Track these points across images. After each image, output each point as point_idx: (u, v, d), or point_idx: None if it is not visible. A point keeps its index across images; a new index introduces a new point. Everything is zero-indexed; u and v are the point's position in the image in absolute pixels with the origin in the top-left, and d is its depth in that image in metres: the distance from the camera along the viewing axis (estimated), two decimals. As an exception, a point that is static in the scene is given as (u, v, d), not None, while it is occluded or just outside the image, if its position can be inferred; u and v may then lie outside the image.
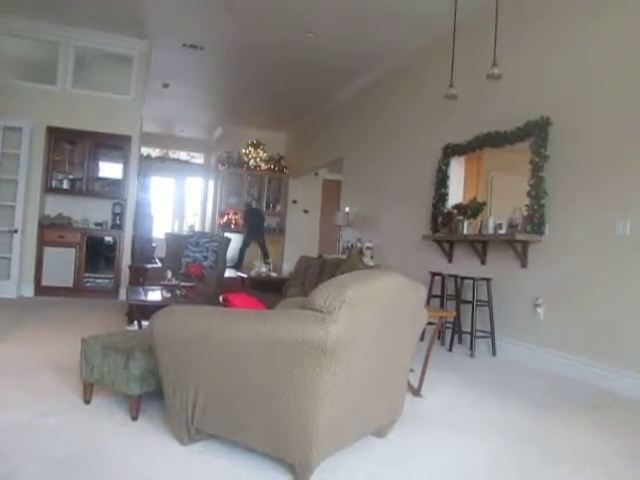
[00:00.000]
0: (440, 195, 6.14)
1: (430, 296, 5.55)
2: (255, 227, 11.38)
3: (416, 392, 3.44)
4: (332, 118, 9.96)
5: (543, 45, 4.93)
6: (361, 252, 6.95)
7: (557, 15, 4.81)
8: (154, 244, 9.33)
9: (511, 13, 5.00)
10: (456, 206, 5.82)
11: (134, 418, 2.65)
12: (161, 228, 12.05)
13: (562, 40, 4.72)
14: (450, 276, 5.53)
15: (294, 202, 12.51)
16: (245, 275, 6.99)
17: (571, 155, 4.53)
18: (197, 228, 13.68)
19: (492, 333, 5.02)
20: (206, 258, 6.64)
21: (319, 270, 5.76)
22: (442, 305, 5.53)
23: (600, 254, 4.20)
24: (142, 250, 8.24)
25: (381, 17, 6.23)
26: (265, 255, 11.18)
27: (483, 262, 5.45)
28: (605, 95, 4.27)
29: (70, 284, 7.30)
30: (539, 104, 4.82)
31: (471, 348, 4.94)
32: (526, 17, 5.12)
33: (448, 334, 5.34)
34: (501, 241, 5.07)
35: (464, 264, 5.70)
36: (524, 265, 4.92)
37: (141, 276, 6.28)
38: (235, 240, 10.13)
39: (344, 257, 6.56)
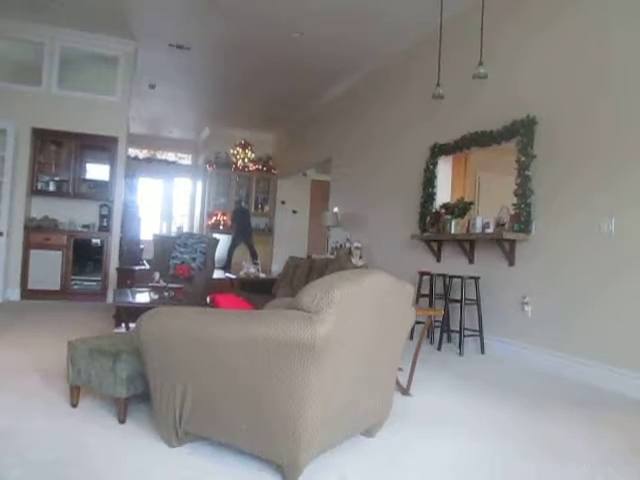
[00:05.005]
0: (428, 195, 6.16)
1: (419, 295, 5.57)
2: (244, 228, 11.38)
3: (405, 391, 3.45)
4: (320, 118, 9.96)
5: (527, 44, 4.96)
6: (350, 252, 6.96)
7: (538, 14, 4.85)
8: (142, 246, 9.28)
9: (496, 13, 5.04)
10: (444, 205, 5.85)
11: (122, 421, 2.63)
12: (149, 229, 11.99)
13: (545, 39, 4.76)
14: (439, 275, 5.55)
15: (282, 203, 12.50)
16: (234, 276, 6.97)
17: (557, 154, 4.57)
18: (185, 229, 13.61)
19: (480, 331, 5.05)
20: (194, 259, 6.62)
21: (308, 270, 5.76)
22: (431, 304, 5.55)
23: (586, 252, 4.23)
24: (130, 252, 8.19)
25: (366, 19, 6.24)
26: (253, 256, 11.17)
27: (471, 261, 5.48)
28: (589, 94, 4.30)
29: (57, 287, 7.23)
30: (525, 103, 4.85)
31: (460, 346, 4.97)
32: (510, 16, 5.15)
33: (437, 333, 5.36)
34: (489, 240, 5.10)
35: (452, 263, 5.73)
36: (512, 263, 4.95)
37: (129, 278, 6.23)
38: (223, 241, 10.10)
39: (333, 257, 6.56)
